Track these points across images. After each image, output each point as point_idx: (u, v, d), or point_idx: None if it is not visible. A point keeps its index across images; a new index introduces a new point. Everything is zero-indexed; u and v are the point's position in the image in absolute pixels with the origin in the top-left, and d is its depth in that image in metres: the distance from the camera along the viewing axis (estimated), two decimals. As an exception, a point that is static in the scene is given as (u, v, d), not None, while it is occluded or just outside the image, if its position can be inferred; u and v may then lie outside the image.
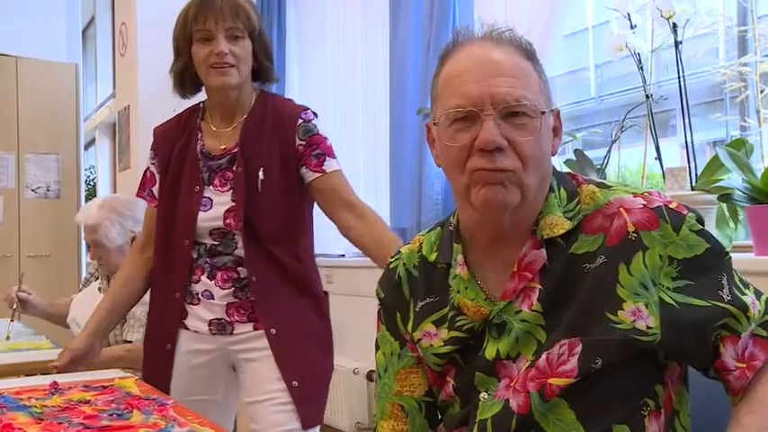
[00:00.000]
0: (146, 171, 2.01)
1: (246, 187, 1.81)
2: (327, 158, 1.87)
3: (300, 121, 1.87)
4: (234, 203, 1.82)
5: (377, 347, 1.26)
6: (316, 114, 1.91)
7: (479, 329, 1.11)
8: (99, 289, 2.88)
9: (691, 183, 2.03)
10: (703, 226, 1.06)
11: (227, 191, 1.84)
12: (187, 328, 1.89)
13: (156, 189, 1.97)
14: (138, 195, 2.01)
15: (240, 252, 1.83)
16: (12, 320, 2.87)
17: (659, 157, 2.17)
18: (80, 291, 3.16)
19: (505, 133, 1.03)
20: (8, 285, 5.19)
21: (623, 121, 2.31)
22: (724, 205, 2.00)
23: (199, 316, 1.87)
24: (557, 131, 1.10)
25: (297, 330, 1.84)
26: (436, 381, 1.19)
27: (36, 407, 1.35)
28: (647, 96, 2.17)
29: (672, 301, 1.01)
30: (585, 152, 2.45)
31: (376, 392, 1.25)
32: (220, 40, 1.77)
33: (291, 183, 1.87)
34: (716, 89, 2.24)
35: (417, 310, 1.19)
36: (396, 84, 3.14)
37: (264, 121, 1.87)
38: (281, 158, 1.85)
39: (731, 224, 2.05)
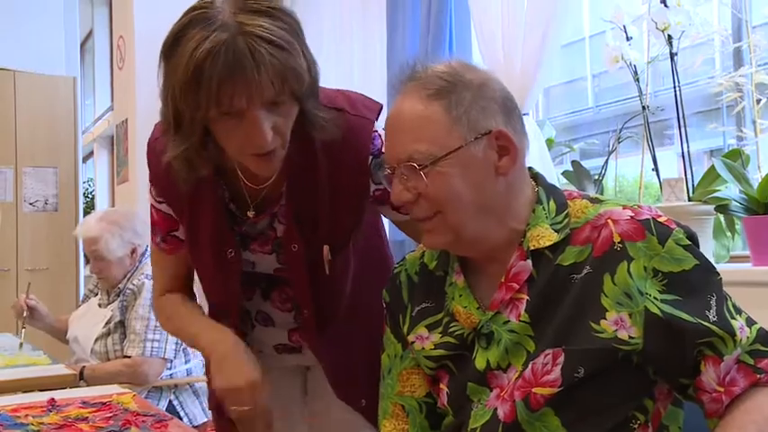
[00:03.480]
0: (153, 212, 1.47)
1: (307, 268, 1.34)
2: None
3: (371, 158, 1.33)
4: (282, 266, 1.40)
5: (383, 349, 1.30)
6: (380, 109, 1.37)
7: (470, 338, 1.13)
8: (99, 305, 2.88)
9: (688, 193, 2.03)
10: (695, 243, 1.06)
11: (270, 252, 1.39)
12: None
13: (180, 233, 1.44)
14: (152, 241, 1.51)
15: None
16: (23, 327, 2.90)
17: (656, 168, 2.18)
18: (79, 307, 3.16)
19: (412, 185, 1.08)
20: (6, 299, 5.22)
21: (620, 131, 2.32)
22: (721, 216, 2.01)
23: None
24: (505, 151, 1.08)
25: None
26: (432, 386, 1.22)
27: (33, 424, 1.35)
28: (644, 107, 2.18)
29: (657, 311, 1.02)
30: (583, 162, 2.45)
31: (380, 392, 1.28)
32: (260, 122, 1.13)
33: (369, 231, 1.45)
34: (712, 99, 2.25)
35: (413, 314, 1.22)
36: (393, 97, 3.13)
37: (314, 164, 1.28)
38: (351, 218, 1.37)
39: (728, 235, 2.05)
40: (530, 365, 1.05)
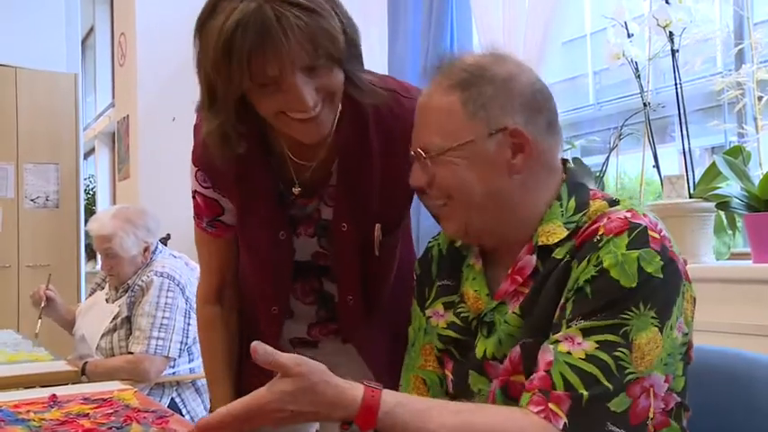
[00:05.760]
0: (197, 197, 1.44)
1: (356, 250, 1.34)
2: None
3: None
4: (322, 250, 1.39)
5: (409, 322, 1.30)
6: None
7: (473, 324, 1.14)
8: (106, 300, 2.89)
9: (689, 190, 2.03)
10: (659, 283, 0.97)
11: (313, 235, 1.38)
12: None
13: (227, 218, 1.42)
14: (197, 226, 1.48)
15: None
16: (40, 318, 2.93)
17: (657, 165, 2.18)
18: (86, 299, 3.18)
19: (430, 172, 1.10)
20: (7, 296, 5.23)
21: (621, 128, 2.32)
22: (722, 213, 2.01)
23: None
24: (519, 149, 1.07)
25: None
26: (442, 370, 1.22)
27: (34, 420, 1.35)
28: (645, 104, 2.18)
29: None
30: (584, 159, 2.45)
31: (404, 364, 1.29)
32: (299, 87, 1.11)
33: (403, 232, 1.46)
34: (713, 96, 2.25)
35: (436, 289, 1.23)
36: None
37: (367, 143, 1.29)
38: (402, 199, 1.37)
39: (729, 232, 2.05)
40: (510, 355, 1.06)
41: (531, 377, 0.98)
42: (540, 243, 1.08)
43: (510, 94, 1.07)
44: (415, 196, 1.48)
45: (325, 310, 1.45)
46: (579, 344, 0.95)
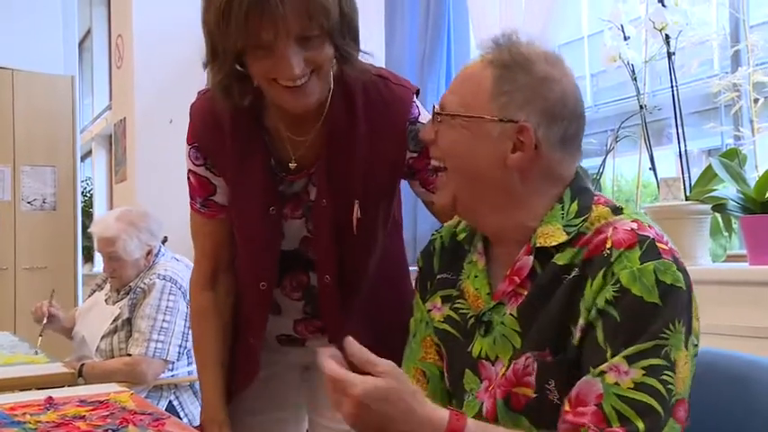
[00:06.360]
0: (190, 176, 1.48)
1: (334, 226, 1.38)
2: None
3: (409, 125, 1.38)
4: (311, 235, 1.42)
5: (411, 313, 1.30)
6: (418, 92, 1.43)
7: (470, 322, 1.14)
8: (105, 300, 2.88)
9: (685, 192, 2.04)
10: (681, 295, 0.97)
11: (300, 217, 1.42)
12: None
13: (218, 198, 1.46)
14: (192, 209, 1.51)
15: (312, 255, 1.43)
16: (41, 335, 2.90)
17: (653, 168, 2.18)
18: (85, 300, 3.17)
19: (437, 129, 1.13)
20: (4, 298, 5.22)
21: (618, 130, 2.33)
22: (718, 215, 2.01)
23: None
24: (520, 146, 1.06)
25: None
26: (443, 364, 1.23)
27: (30, 423, 1.35)
28: (641, 107, 2.18)
29: (589, 320, 0.99)
30: (581, 161, 2.45)
31: (405, 355, 1.28)
32: (288, 55, 1.19)
33: (394, 203, 1.48)
34: (710, 98, 2.25)
35: (436, 281, 1.23)
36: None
37: (354, 124, 1.35)
38: (384, 181, 1.40)
39: (725, 234, 2.06)
40: (512, 366, 1.05)
41: (580, 409, 0.95)
42: (538, 245, 1.07)
43: (538, 93, 1.06)
44: (410, 193, 1.50)
45: (312, 306, 1.46)
46: (626, 373, 0.94)
